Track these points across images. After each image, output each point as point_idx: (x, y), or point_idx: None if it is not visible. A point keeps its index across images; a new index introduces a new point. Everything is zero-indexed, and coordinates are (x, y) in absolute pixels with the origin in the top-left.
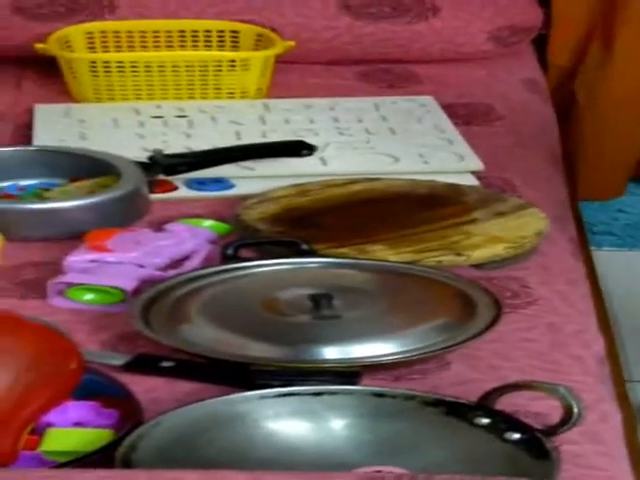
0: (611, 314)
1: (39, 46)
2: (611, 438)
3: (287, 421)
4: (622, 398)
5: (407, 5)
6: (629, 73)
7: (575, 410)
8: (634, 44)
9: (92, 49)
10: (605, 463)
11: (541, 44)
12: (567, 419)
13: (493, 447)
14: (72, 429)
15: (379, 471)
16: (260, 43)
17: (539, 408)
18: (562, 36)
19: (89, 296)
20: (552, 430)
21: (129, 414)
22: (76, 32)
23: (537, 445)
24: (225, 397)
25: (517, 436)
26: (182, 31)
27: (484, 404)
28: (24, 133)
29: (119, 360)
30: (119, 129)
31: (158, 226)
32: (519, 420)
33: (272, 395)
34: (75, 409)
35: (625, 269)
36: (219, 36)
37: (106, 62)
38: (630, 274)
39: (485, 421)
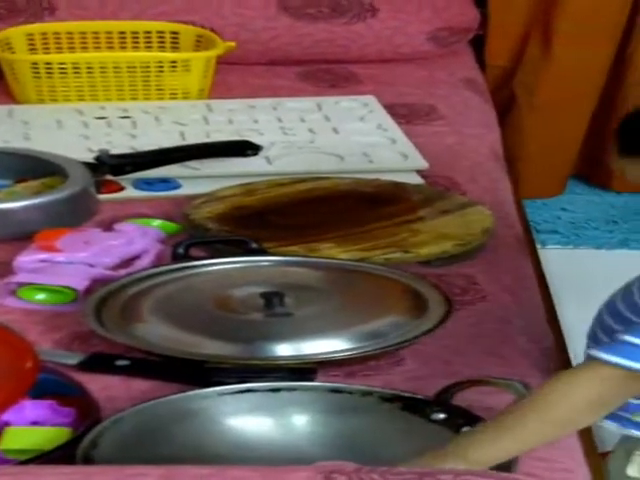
0: (559, 311)
1: None
2: None
3: (246, 417)
4: None
5: (345, 6)
6: (567, 72)
7: None
8: (571, 44)
9: (33, 50)
10: (559, 455)
11: (479, 45)
12: None
13: (450, 441)
14: (30, 428)
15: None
16: (200, 44)
17: (493, 403)
18: (499, 37)
19: (41, 296)
20: None
21: (86, 412)
22: (17, 34)
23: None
24: (184, 394)
25: (443, 416)
26: (122, 32)
27: (441, 399)
28: None
29: (74, 359)
30: (63, 130)
31: (107, 226)
32: (475, 414)
33: (231, 392)
34: (32, 408)
35: (570, 267)
36: (159, 37)
37: (48, 63)
38: (575, 272)
39: (442, 416)
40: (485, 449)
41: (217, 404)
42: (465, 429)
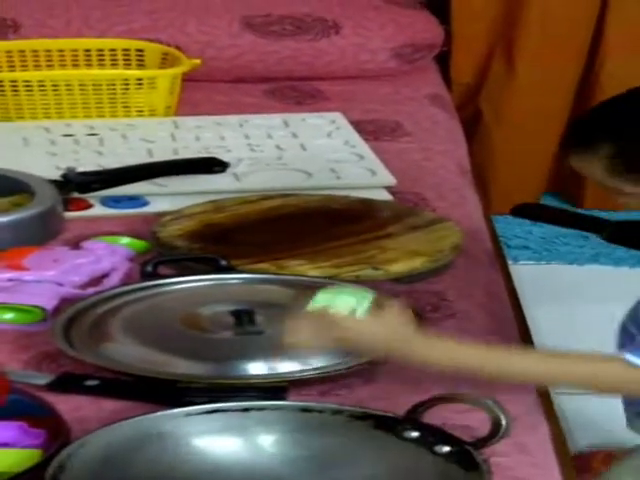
0: (531, 327)
1: None
2: (539, 449)
3: (215, 438)
4: (549, 409)
5: (309, 23)
6: (532, 89)
7: (503, 422)
8: (535, 59)
9: None
10: (535, 474)
11: (445, 61)
12: (495, 431)
13: (423, 460)
14: (0, 450)
15: None
16: (166, 62)
17: (467, 421)
18: (464, 54)
19: (9, 315)
20: (481, 443)
21: (56, 433)
22: None
23: (467, 458)
24: (152, 415)
25: (447, 449)
26: (88, 50)
27: (412, 417)
28: None
29: (43, 379)
30: (29, 148)
31: (75, 244)
32: (447, 433)
33: (199, 412)
34: (2, 429)
35: (542, 282)
36: (125, 55)
37: (13, 81)
38: (547, 287)
39: (414, 434)
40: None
41: (186, 425)
42: (438, 448)
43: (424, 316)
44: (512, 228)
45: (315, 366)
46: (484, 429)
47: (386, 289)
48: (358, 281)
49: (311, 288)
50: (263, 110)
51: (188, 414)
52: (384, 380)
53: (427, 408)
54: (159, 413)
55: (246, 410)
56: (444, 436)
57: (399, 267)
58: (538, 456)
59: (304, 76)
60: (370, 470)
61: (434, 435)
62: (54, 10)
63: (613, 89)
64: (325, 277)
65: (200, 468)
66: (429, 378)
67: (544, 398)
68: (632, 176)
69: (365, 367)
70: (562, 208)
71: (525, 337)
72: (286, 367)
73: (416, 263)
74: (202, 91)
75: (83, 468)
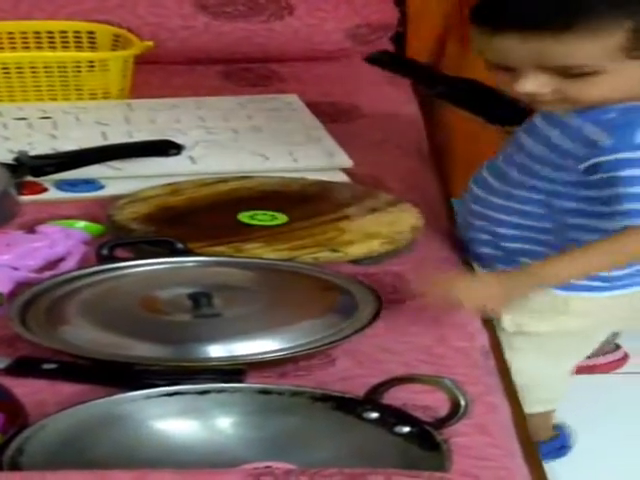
0: None
1: None
2: (500, 430)
3: (174, 420)
4: (509, 390)
5: (262, 4)
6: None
7: (462, 403)
8: None
9: None
10: (496, 455)
11: (400, 43)
12: (454, 412)
13: (383, 441)
14: None
15: (269, 467)
16: (118, 44)
17: (426, 401)
18: (419, 34)
19: None
20: (440, 423)
21: (14, 417)
22: None
23: (427, 438)
24: (111, 398)
25: (406, 429)
26: (37, 32)
27: (372, 398)
28: None
29: (0, 363)
30: None
31: (29, 228)
32: (407, 413)
33: (158, 394)
34: None
35: None
36: (76, 37)
37: None
38: None
39: (374, 415)
40: (559, 267)
41: (144, 407)
42: (398, 428)
43: (383, 297)
44: None
45: (274, 348)
46: (444, 409)
47: (345, 271)
48: (317, 263)
49: (268, 271)
50: (218, 92)
51: (147, 397)
52: (344, 361)
53: (387, 389)
54: (118, 396)
55: (205, 392)
56: (404, 417)
57: (358, 249)
58: (499, 437)
59: (259, 58)
60: (330, 451)
61: (394, 416)
62: None
63: None
64: (283, 259)
65: (159, 450)
66: (391, 359)
67: (504, 378)
68: None
69: (324, 349)
70: (413, 61)
71: (486, 320)
72: (245, 349)
73: (375, 245)
74: (157, 74)
75: (42, 451)
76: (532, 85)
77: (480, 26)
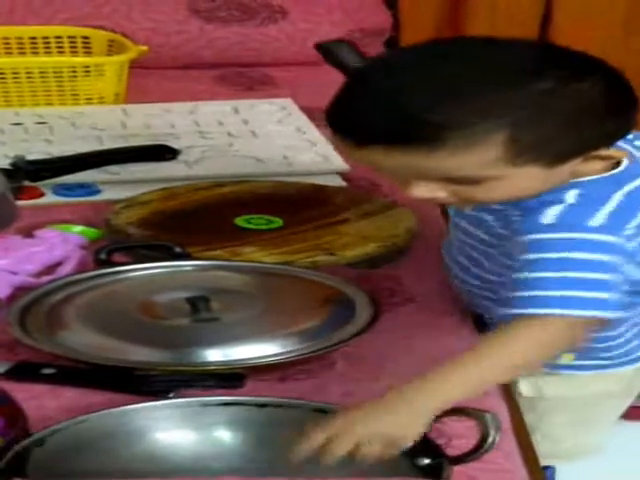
0: None
1: None
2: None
3: (174, 431)
4: (507, 391)
5: (255, 9)
6: None
7: (490, 440)
8: None
9: None
10: (496, 457)
11: (394, 47)
12: (480, 446)
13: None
14: None
15: None
16: (112, 49)
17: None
18: (412, 39)
19: None
20: (463, 457)
21: (13, 421)
22: None
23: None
24: (110, 410)
25: (426, 461)
26: (33, 37)
27: None
28: None
29: None
30: None
31: (27, 233)
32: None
33: (157, 407)
34: None
35: None
36: (71, 42)
37: None
38: None
39: None
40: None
41: (144, 419)
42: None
43: (380, 301)
44: None
45: (273, 352)
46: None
47: (342, 275)
48: (313, 267)
49: (266, 275)
50: (213, 97)
51: (146, 408)
52: (343, 365)
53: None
54: (118, 409)
55: (205, 405)
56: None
57: (355, 252)
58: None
59: (253, 62)
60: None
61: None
62: None
63: None
64: (280, 263)
65: (158, 462)
66: (386, 363)
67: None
68: None
69: (323, 352)
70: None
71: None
72: (243, 354)
73: (371, 248)
74: (152, 78)
75: (42, 462)
76: (423, 192)
77: (339, 136)
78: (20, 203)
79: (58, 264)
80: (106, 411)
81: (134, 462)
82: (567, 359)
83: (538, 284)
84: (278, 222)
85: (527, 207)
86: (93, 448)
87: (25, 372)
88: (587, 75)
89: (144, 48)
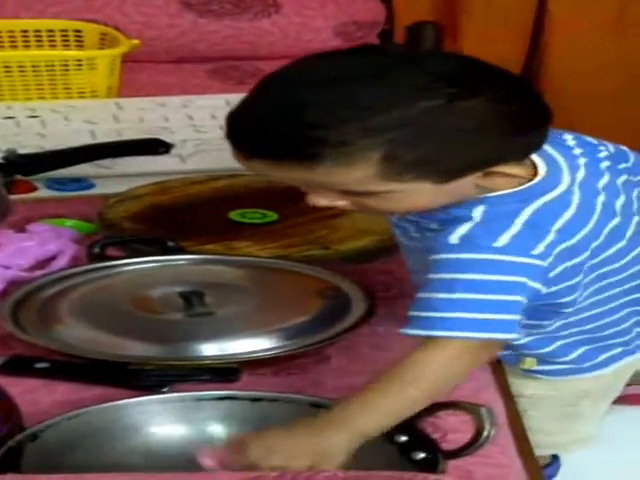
0: None
1: None
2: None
3: (168, 426)
4: (503, 386)
5: (248, 2)
6: None
7: (485, 433)
8: (479, 37)
9: None
10: (490, 450)
11: (388, 41)
12: (475, 440)
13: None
14: None
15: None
16: (105, 42)
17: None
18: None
19: None
20: (458, 451)
21: (7, 415)
22: None
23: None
24: (104, 405)
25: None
26: (25, 31)
27: None
28: None
29: None
30: None
31: (20, 227)
32: (427, 437)
33: (151, 401)
34: None
35: None
36: (63, 36)
37: None
38: None
39: None
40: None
41: (138, 413)
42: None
43: (375, 295)
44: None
45: (268, 346)
46: (449, 425)
47: (337, 269)
48: (308, 261)
49: (260, 269)
50: (206, 90)
51: (141, 403)
52: (338, 359)
53: (427, 415)
54: (112, 403)
55: (199, 399)
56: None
57: (349, 246)
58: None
59: (246, 55)
60: None
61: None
62: None
63: (559, 65)
64: (275, 257)
65: (153, 455)
66: (382, 357)
67: (498, 375)
68: None
69: (318, 347)
70: None
71: None
72: (238, 348)
73: (366, 242)
74: (145, 72)
75: (37, 456)
76: (323, 201)
77: (232, 146)
78: (13, 197)
79: (51, 258)
80: (100, 406)
81: (128, 456)
82: (529, 364)
83: (436, 305)
84: (273, 216)
85: (439, 220)
86: (87, 442)
87: (19, 366)
88: (481, 92)
89: (136, 42)
